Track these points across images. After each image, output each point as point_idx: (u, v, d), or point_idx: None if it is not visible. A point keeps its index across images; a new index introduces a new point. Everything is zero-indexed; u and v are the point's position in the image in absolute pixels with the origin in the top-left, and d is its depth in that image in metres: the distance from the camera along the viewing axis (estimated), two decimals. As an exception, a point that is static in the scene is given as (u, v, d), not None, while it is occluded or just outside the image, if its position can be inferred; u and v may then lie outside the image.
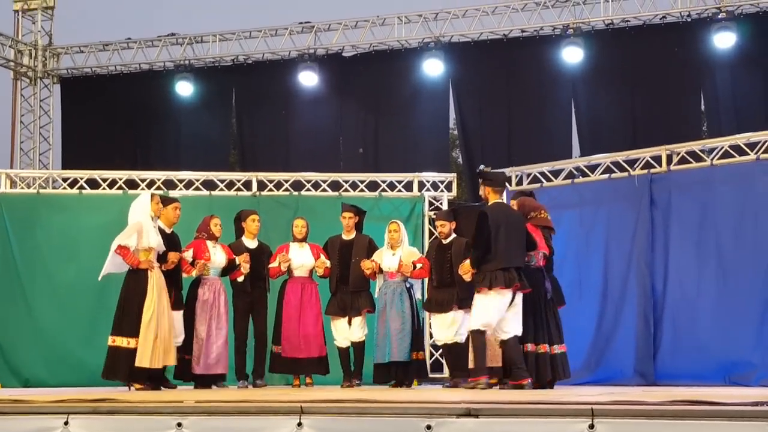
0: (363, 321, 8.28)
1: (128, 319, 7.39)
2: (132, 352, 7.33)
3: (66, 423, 4.61)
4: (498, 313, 6.96)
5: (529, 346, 7.17)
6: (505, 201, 7.50)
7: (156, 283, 7.50)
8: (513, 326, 7.01)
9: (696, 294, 8.84)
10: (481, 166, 10.81)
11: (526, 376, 6.91)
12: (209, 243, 8.18)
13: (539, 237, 7.39)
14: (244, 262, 8.11)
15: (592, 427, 3.95)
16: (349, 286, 8.23)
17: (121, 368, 7.38)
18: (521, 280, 6.98)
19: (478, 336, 7.03)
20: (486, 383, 6.98)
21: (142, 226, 7.51)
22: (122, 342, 7.39)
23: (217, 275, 8.19)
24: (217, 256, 8.16)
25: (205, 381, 8.09)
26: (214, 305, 8.07)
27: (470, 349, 7.38)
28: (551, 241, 7.61)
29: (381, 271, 8.20)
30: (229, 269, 8.24)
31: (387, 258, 8.17)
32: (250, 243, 8.42)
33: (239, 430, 4.46)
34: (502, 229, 7.00)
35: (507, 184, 10.42)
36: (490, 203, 7.24)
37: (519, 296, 7.05)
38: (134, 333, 7.35)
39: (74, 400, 4.91)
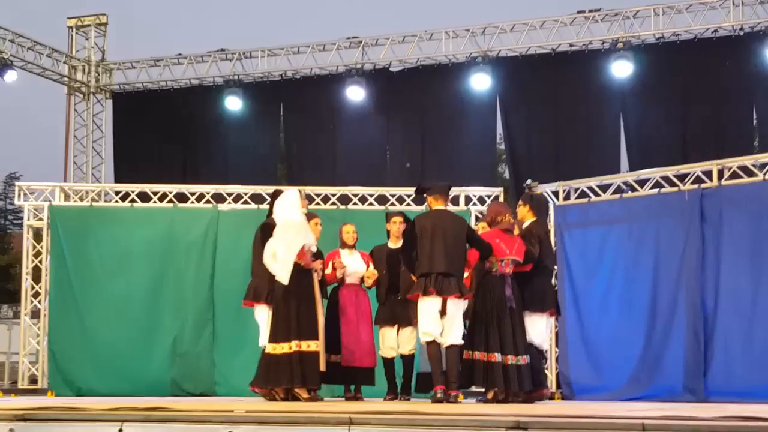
0: (413, 332, 8.22)
1: (308, 322, 7.20)
2: (316, 356, 7.14)
3: (120, 430, 4.70)
4: (429, 319, 6.96)
5: (477, 354, 7.06)
6: (447, 209, 7.35)
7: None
8: (449, 336, 6.99)
9: (750, 310, 8.68)
10: (528, 181, 10.81)
11: (441, 383, 6.89)
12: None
13: (508, 243, 7.23)
14: (319, 269, 8.05)
15: (643, 441, 3.92)
16: (398, 294, 8.18)
17: (311, 373, 7.12)
18: (446, 285, 6.90)
19: (427, 346, 7.07)
20: (443, 393, 6.90)
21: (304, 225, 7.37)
22: (304, 346, 7.12)
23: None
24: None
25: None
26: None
27: None
28: (536, 246, 7.37)
29: None
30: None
31: None
32: (313, 247, 8.37)
33: (289, 439, 4.50)
34: (429, 235, 7.01)
35: (552, 198, 10.39)
36: (432, 211, 7.31)
37: (452, 303, 6.96)
38: (315, 335, 7.17)
39: (128, 408, 4.99)
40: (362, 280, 8.29)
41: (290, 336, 7.13)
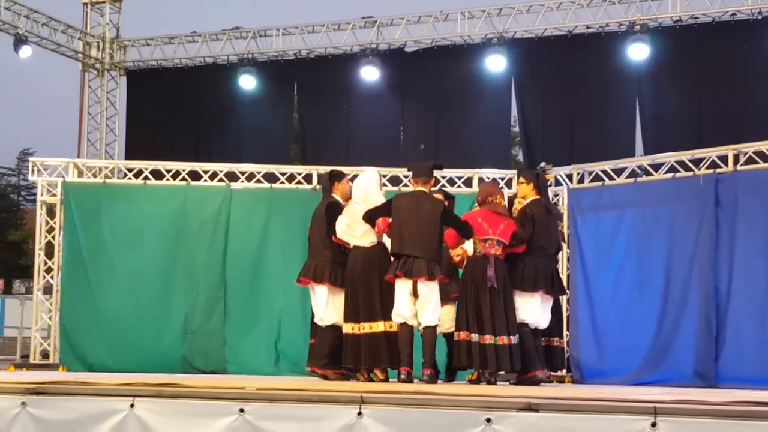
0: (453, 310, 8.10)
1: (388, 301, 7.10)
2: (394, 336, 7.07)
3: (132, 405, 4.73)
4: (400, 301, 6.99)
5: (462, 335, 7.04)
6: (425, 191, 7.32)
7: None
8: (422, 317, 7.01)
9: (763, 297, 8.61)
10: (542, 164, 10.77)
11: (407, 365, 6.93)
12: None
13: (492, 223, 7.20)
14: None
15: (654, 425, 3.91)
16: None
17: (386, 353, 7.08)
18: (415, 268, 6.91)
19: (400, 327, 7.08)
20: (406, 374, 6.91)
21: None
22: (388, 326, 7.08)
23: None
24: None
25: None
26: None
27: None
28: (527, 227, 7.28)
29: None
30: None
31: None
32: None
33: (300, 417, 4.51)
34: (402, 215, 7.06)
35: (566, 181, 10.34)
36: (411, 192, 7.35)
37: (423, 285, 6.97)
38: (389, 315, 7.10)
39: (140, 384, 5.02)
40: None
41: (377, 316, 7.13)
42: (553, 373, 8.31)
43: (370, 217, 7.19)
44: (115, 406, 4.73)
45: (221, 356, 10.36)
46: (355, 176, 7.90)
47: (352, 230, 7.33)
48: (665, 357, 9.25)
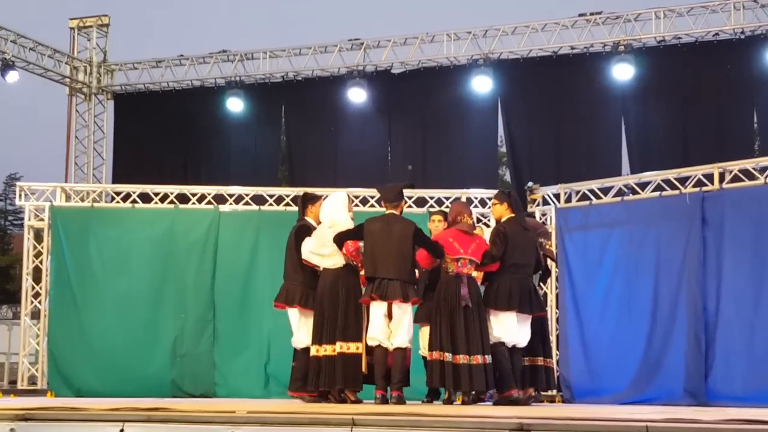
0: None
1: (357, 322, 7.15)
2: (358, 358, 7.09)
3: (121, 431, 4.70)
4: (375, 324, 7.02)
5: (435, 354, 7.03)
6: (395, 213, 7.34)
7: None
8: (395, 339, 7.04)
9: (751, 314, 8.66)
10: (530, 183, 10.90)
11: (381, 388, 6.97)
12: None
13: (463, 242, 7.20)
14: None
15: (646, 444, 3.92)
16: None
17: (352, 375, 7.08)
18: (390, 290, 6.95)
19: (374, 349, 7.10)
20: (381, 397, 6.94)
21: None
22: (353, 348, 7.12)
23: None
24: None
25: None
26: None
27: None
28: (499, 245, 7.25)
29: None
30: None
31: None
32: None
33: (291, 440, 4.50)
34: (375, 239, 7.10)
35: (553, 201, 10.39)
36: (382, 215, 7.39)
37: (397, 307, 7.01)
38: (358, 337, 7.13)
39: (129, 409, 4.99)
40: None
41: (334, 338, 7.12)
42: (542, 393, 8.28)
43: (340, 239, 7.21)
44: (104, 431, 4.71)
45: (210, 379, 10.32)
46: None
47: (319, 251, 7.34)
48: (655, 375, 9.26)
